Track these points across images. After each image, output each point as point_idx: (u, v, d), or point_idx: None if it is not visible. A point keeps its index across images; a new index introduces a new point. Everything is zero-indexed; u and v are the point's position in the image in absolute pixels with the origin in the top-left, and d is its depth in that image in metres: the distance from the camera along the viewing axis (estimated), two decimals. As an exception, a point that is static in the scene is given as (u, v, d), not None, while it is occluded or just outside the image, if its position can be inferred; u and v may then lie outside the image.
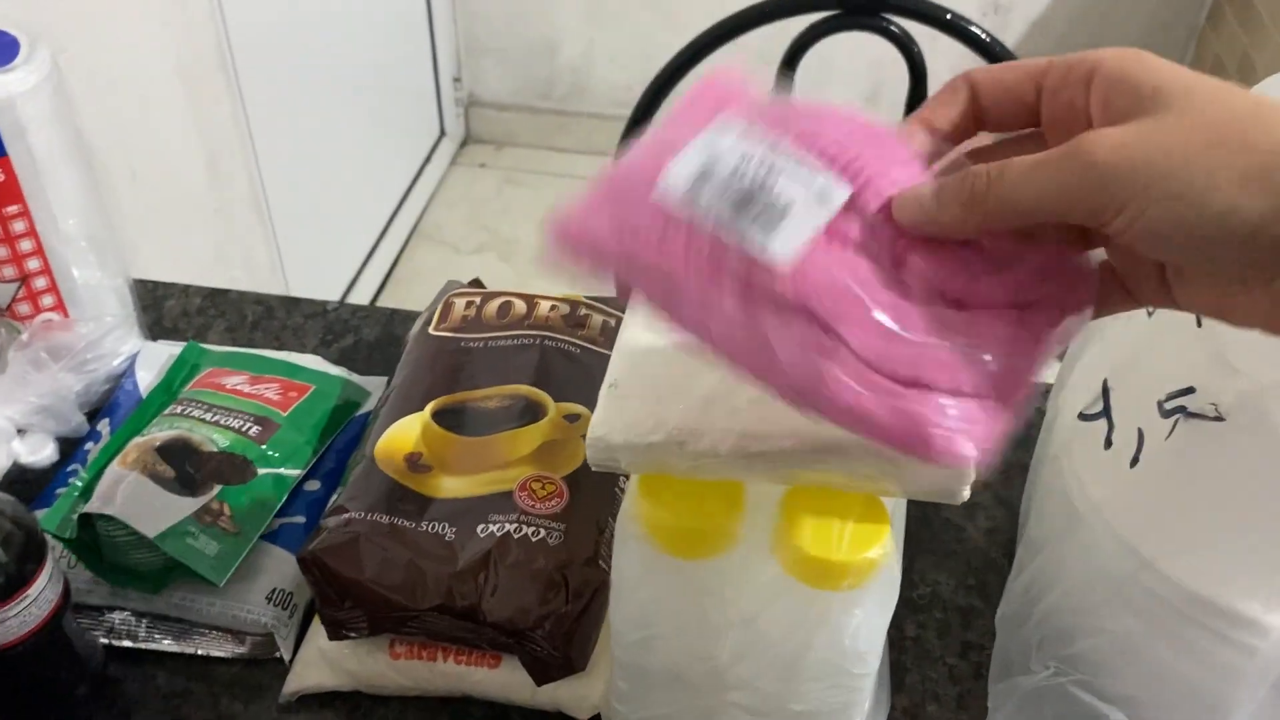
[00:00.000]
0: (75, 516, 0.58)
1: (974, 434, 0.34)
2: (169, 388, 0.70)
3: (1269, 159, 0.30)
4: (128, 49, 1.31)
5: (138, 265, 0.77)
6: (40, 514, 0.62)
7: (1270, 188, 0.29)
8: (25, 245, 0.66)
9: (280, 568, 0.60)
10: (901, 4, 1.04)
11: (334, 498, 0.57)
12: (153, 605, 0.59)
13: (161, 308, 0.82)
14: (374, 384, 0.72)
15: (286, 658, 0.58)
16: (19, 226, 0.66)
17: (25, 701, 0.55)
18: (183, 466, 0.60)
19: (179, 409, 0.64)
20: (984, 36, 1.03)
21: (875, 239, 0.35)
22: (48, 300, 0.69)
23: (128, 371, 0.73)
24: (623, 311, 0.57)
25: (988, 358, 0.34)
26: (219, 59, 1.48)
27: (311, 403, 0.67)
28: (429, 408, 0.60)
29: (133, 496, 0.58)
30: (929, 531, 0.65)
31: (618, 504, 0.55)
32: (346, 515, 0.55)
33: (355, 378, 0.72)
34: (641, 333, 0.44)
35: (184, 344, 0.73)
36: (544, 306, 0.66)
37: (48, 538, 0.52)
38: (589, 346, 0.64)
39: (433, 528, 0.54)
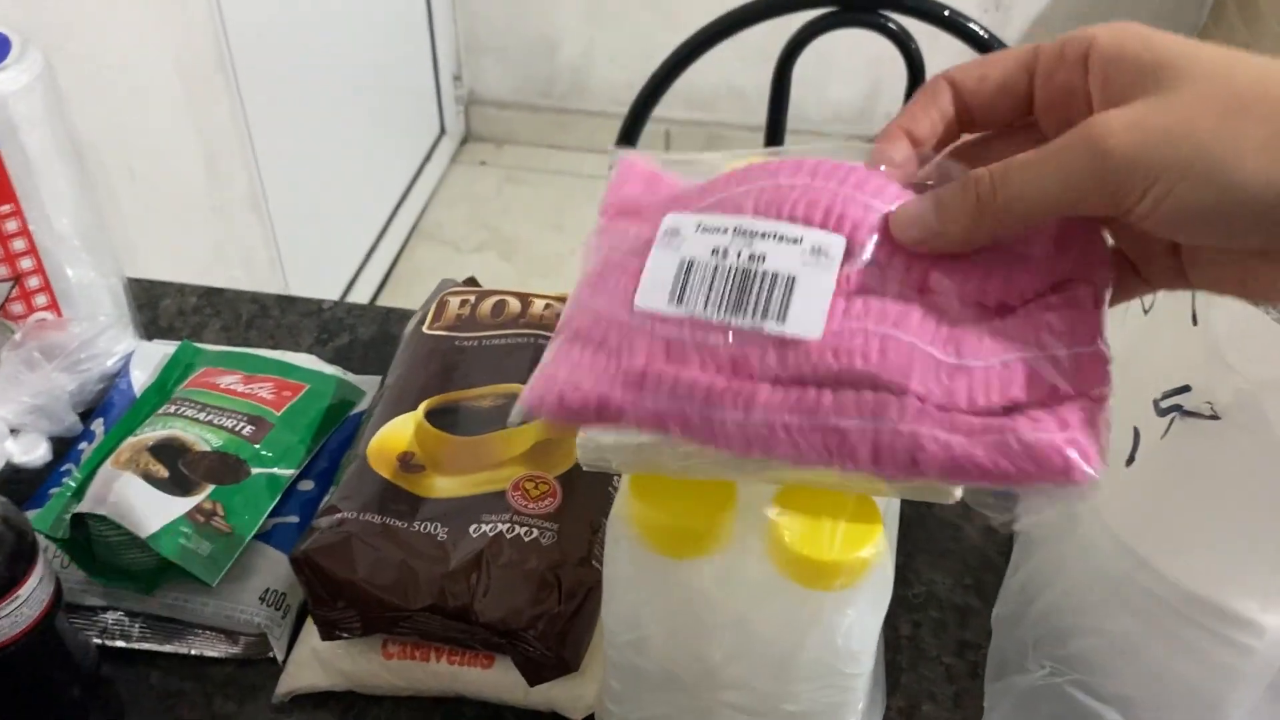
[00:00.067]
0: (68, 516, 0.58)
1: (1088, 440, 0.31)
2: (163, 387, 0.69)
3: None
4: (127, 48, 1.31)
5: (136, 265, 0.77)
6: (33, 514, 0.62)
7: None
8: (18, 245, 0.66)
9: (273, 568, 0.60)
10: (899, 0, 1.04)
11: (326, 497, 0.57)
12: (146, 605, 0.59)
13: (157, 307, 0.81)
14: (369, 383, 0.72)
15: (280, 658, 0.58)
16: (12, 226, 0.65)
17: (18, 702, 0.55)
18: (176, 466, 0.60)
19: (172, 408, 0.64)
20: (983, 33, 1.03)
21: (888, 276, 0.33)
22: (41, 300, 0.69)
23: (122, 371, 0.72)
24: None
25: (1059, 353, 0.32)
26: (218, 57, 1.48)
27: (305, 402, 0.67)
28: (422, 407, 0.60)
29: (125, 496, 0.57)
30: (925, 530, 0.65)
31: (611, 504, 0.54)
32: (339, 515, 0.55)
33: (350, 377, 0.72)
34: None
35: (179, 343, 0.73)
36: (538, 305, 0.66)
37: (40, 538, 0.52)
38: (584, 345, 0.64)
39: (425, 528, 0.54)
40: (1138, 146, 0.29)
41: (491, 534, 0.53)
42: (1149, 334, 0.47)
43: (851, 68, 2.20)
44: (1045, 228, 0.34)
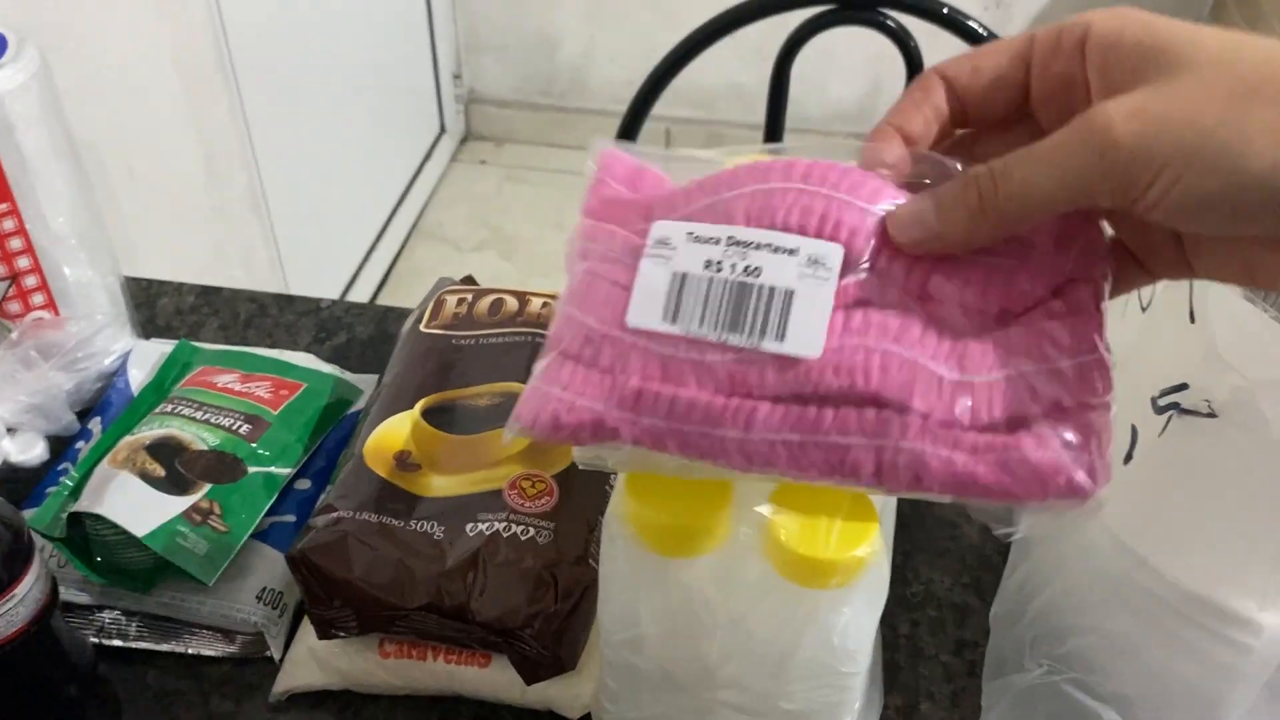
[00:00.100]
0: (65, 515, 0.58)
1: (1092, 457, 0.31)
2: (160, 386, 0.69)
3: None
4: (126, 47, 1.31)
5: (136, 265, 0.77)
6: (30, 513, 0.62)
7: None
8: (15, 244, 0.66)
9: (270, 567, 0.60)
10: (898, -2, 1.04)
11: (323, 496, 0.57)
12: (143, 604, 0.59)
13: (155, 306, 0.81)
14: (366, 382, 0.72)
15: (276, 657, 0.58)
16: (8, 225, 0.65)
17: (14, 702, 0.55)
18: (173, 465, 0.60)
19: (169, 407, 0.64)
20: (982, 31, 1.03)
21: (888, 283, 0.33)
22: (38, 299, 0.69)
23: (119, 370, 0.72)
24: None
25: (1062, 364, 0.32)
26: (217, 56, 1.48)
27: (303, 401, 0.67)
28: (418, 406, 0.60)
29: (122, 495, 0.57)
30: (923, 529, 0.64)
31: (607, 503, 0.54)
32: (335, 514, 0.54)
33: (347, 375, 0.72)
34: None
35: (176, 342, 0.73)
36: (535, 304, 0.66)
37: (36, 537, 0.52)
38: (581, 344, 0.64)
39: (421, 526, 0.54)
40: (1143, 136, 0.28)
41: (488, 533, 0.53)
42: (1147, 331, 0.46)
43: (851, 66, 2.20)
44: (1045, 224, 0.33)
